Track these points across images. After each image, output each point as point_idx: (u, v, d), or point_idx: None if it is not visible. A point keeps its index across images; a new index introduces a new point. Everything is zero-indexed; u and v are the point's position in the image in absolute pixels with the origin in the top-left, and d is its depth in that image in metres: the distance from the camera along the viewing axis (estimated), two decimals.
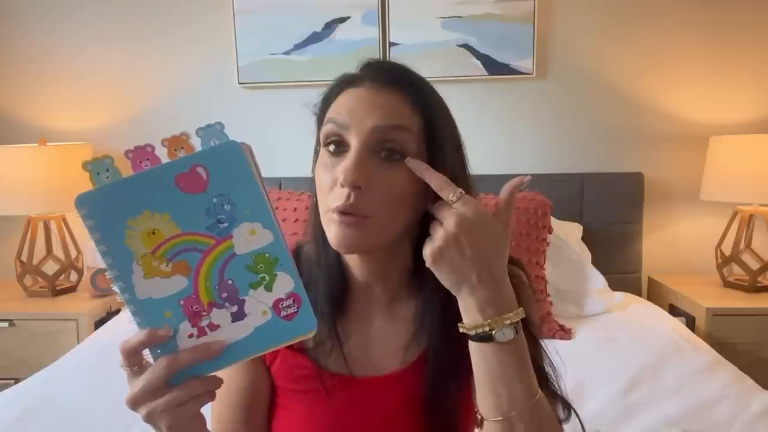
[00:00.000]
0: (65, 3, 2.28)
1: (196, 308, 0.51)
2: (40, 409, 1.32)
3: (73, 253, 2.17)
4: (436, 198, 0.67)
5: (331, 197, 0.63)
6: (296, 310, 0.52)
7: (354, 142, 0.63)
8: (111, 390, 1.35)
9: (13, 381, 1.73)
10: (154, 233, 0.49)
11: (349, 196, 0.61)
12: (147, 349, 0.52)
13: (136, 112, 2.33)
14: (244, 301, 0.51)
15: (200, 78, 2.30)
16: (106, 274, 0.50)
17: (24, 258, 2.12)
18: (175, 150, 0.49)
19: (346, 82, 0.68)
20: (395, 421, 0.71)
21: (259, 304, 0.51)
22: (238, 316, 0.51)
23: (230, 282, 0.51)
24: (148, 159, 0.48)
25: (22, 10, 2.30)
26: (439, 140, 0.67)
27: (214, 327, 0.52)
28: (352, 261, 0.72)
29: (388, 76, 0.66)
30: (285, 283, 0.51)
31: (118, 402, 1.32)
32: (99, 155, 0.48)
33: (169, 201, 0.48)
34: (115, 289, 0.50)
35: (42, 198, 2.03)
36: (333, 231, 0.63)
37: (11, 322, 1.95)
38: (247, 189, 0.49)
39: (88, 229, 0.48)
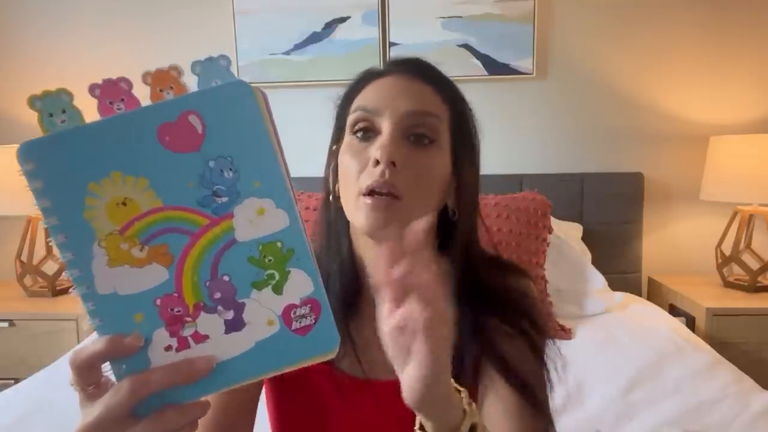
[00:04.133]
0: (66, 3, 2.28)
1: (178, 311, 0.39)
2: (40, 409, 1.32)
3: None
4: (458, 193, 0.68)
5: (363, 178, 0.63)
6: (313, 321, 0.40)
7: (386, 125, 0.64)
8: None
9: (13, 381, 1.73)
10: (125, 204, 0.36)
11: (383, 173, 0.61)
12: (108, 363, 0.39)
13: None
14: (243, 305, 0.39)
15: None
16: (59, 256, 0.38)
17: (24, 258, 2.12)
18: (160, 90, 0.37)
19: (374, 75, 0.69)
20: (408, 426, 0.71)
21: (263, 311, 0.39)
22: (233, 325, 0.39)
23: (226, 278, 0.38)
24: (122, 99, 0.36)
25: (22, 10, 2.30)
26: (467, 134, 0.69)
27: (200, 338, 0.39)
28: (371, 257, 0.71)
29: (416, 69, 0.68)
30: (301, 284, 0.39)
31: None
32: (52, 89, 0.36)
33: (148, 161, 0.36)
34: (69, 278, 0.38)
35: None
36: (364, 213, 0.62)
37: (11, 322, 1.95)
38: (258, 151, 0.36)
39: (33, 193, 0.37)
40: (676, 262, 2.31)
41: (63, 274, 2.06)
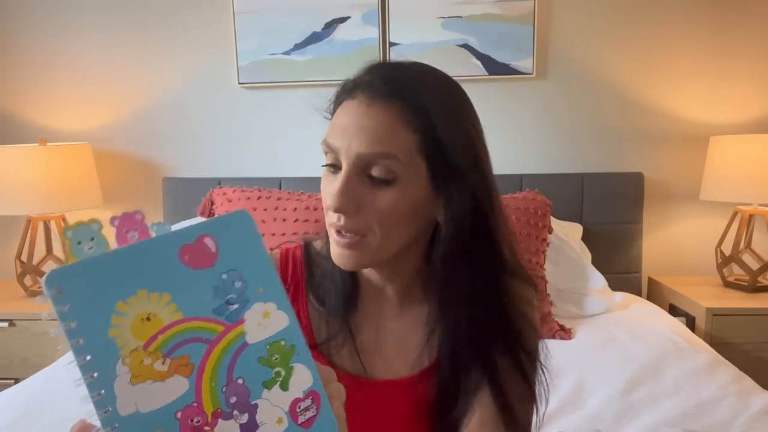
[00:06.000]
0: (66, 3, 2.28)
1: (198, 422, 0.40)
2: (41, 409, 1.32)
3: None
4: (446, 209, 0.65)
5: (329, 215, 0.65)
6: (315, 412, 0.43)
7: (343, 166, 0.63)
8: None
9: (13, 381, 1.73)
10: (149, 319, 0.39)
11: (339, 218, 0.63)
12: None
13: (136, 112, 2.33)
14: (256, 406, 0.41)
15: (200, 78, 2.30)
16: (81, 379, 0.37)
17: (24, 258, 2.11)
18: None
19: (346, 91, 0.67)
20: (403, 426, 0.71)
21: (274, 410, 0.42)
22: (248, 429, 0.41)
23: (240, 381, 0.41)
24: (136, 229, 0.40)
25: (23, 9, 2.30)
26: (440, 157, 0.63)
27: None
28: None
29: (384, 87, 0.63)
30: (302, 377, 0.43)
31: None
32: (84, 219, 0.40)
33: (170, 278, 0.40)
34: (91, 400, 0.38)
35: (42, 198, 2.03)
36: (333, 249, 0.65)
37: (11, 322, 1.95)
38: (258, 263, 0.42)
39: (59, 316, 0.37)
40: (676, 262, 2.31)
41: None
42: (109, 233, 0.40)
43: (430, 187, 0.65)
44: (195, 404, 0.40)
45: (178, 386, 0.40)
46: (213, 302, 0.41)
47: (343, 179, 0.62)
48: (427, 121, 0.62)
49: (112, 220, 0.40)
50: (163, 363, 0.39)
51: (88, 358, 0.37)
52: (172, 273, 0.40)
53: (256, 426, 0.41)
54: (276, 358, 0.42)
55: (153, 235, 0.41)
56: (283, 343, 0.42)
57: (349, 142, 0.62)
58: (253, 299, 0.42)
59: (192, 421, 0.40)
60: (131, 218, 0.40)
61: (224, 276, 0.41)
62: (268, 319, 0.42)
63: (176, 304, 0.40)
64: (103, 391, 0.38)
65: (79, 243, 0.38)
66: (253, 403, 0.41)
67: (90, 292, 0.38)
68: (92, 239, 0.39)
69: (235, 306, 0.41)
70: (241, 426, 0.41)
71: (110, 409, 0.38)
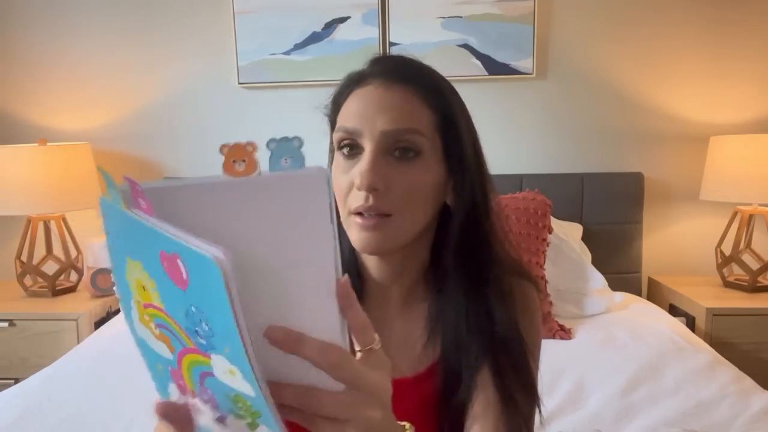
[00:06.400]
0: (66, 3, 2.28)
1: (181, 384, 0.41)
2: (40, 409, 1.32)
3: (73, 253, 2.17)
4: (456, 191, 0.67)
5: (351, 199, 0.64)
6: None
7: (367, 145, 0.63)
8: (111, 390, 1.36)
9: (13, 381, 1.73)
10: (144, 289, 0.38)
11: (367, 198, 0.62)
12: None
13: (136, 112, 2.33)
14: (226, 416, 0.40)
15: (200, 78, 2.30)
16: (113, 286, 0.42)
17: (24, 258, 2.12)
18: (233, 161, 0.38)
19: (355, 82, 0.68)
20: (415, 423, 0.71)
21: (241, 426, 0.40)
22: (220, 420, 0.40)
23: (210, 392, 0.39)
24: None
25: (23, 9, 2.30)
26: (455, 136, 0.67)
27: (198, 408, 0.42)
28: (370, 261, 0.72)
29: (398, 73, 0.66)
30: None
31: (117, 402, 1.32)
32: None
33: (156, 271, 0.36)
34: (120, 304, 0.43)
35: (42, 198, 2.03)
36: (355, 235, 0.64)
37: (11, 322, 1.95)
38: (224, 326, 0.34)
39: (105, 231, 0.41)
40: (676, 262, 2.31)
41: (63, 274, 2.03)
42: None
43: (444, 167, 0.67)
44: (179, 373, 0.40)
45: (166, 352, 0.40)
46: (185, 321, 0.36)
47: (371, 156, 0.62)
48: (443, 101, 0.66)
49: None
50: (156, 329, 0.39)
51: (114, 278, 0.41)
52: (157, 269, 0.36)
53: (226, 426, 0.40)
54: (241, 406, 0.38)
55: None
56: (249, 403, 0.37)
57: (372, 123, 0.63)
58: (219, 351, 0.35)
59: (179, 380, 0.41)
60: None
61: (193, 309, 0.35)
62: (234, 377, 0.36)
63: (159, 295, 0.37)
64: (124, 309, 0.41)
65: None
66: (222, 412, 0.40)
67: (117, 234, 0.39)
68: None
69: (203, 341, 0.36)
70: (214, 419, 0.40)
71: (129, 320, 0.41)
